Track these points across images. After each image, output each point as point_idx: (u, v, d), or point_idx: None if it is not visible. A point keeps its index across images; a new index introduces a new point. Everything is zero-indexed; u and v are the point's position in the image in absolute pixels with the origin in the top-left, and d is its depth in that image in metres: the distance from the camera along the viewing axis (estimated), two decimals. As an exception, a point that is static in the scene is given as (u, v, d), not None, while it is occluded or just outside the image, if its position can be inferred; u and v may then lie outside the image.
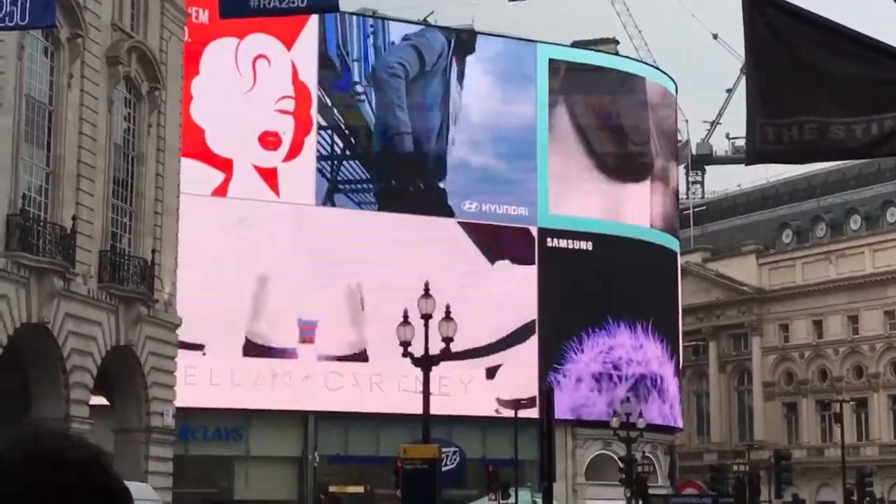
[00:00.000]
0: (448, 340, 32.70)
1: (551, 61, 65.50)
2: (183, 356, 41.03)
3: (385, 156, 62.07)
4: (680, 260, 73.89)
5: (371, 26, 62.39)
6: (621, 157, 67.97)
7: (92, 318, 34.36)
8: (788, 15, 9.28)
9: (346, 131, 61.17)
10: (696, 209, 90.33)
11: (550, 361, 62.24)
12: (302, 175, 59.15)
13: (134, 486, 29.10)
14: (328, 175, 60.43)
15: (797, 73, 9.05)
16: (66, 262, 32.49)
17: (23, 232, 31.14)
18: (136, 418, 37.38)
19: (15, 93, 31.25)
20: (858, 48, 9.13)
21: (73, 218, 33.10)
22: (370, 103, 61.86)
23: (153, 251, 37.23)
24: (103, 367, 35.22)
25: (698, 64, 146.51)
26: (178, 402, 39.78)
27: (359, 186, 61.53)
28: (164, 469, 37.91)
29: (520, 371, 60.99)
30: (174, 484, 39.08)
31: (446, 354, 32.76)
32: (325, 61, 60.49)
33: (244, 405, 56.54)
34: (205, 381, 54.43)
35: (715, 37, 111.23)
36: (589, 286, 63.80)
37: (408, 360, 32.86)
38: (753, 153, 9.07)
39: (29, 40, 31.83)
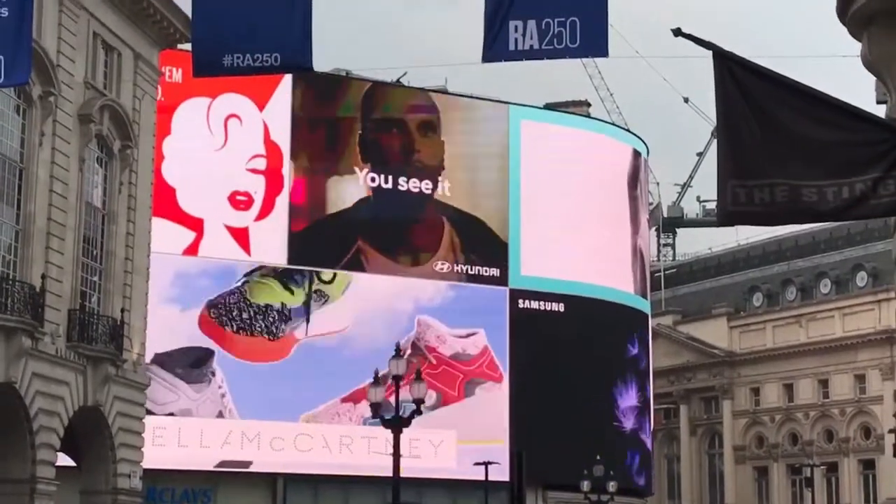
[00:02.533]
0: (419, 402, 32.55)
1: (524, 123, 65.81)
2: (151, 417, 40.63)
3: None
4: (651, 322, 74.00)
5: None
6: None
7: (60, 378, 34.03)
8: (759, 77, 9.34)
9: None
10: (666, 272, 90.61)
11: (522, 423, 61.96)
12: (273, 234, 59.08)
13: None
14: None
15: (768, 136, 9.09)
16: (34, 320, 32.22)
17: (-9, 290, 30.89)
18: (103, 480, 36.94)
19: (-14, 150, 31.12)
20: (829, 111, 9.19)
21: (43, 276, 32.87)
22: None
23: (123, 310, 36.99)
24: (70, 427, 34.84)
25: (670, 127, 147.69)
26: (146, 464, 39.38)
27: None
28: (130, 531, 37.43)
29: (491, 433, 60.75)
30: (140, 547, 38.57)
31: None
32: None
33: (212, 467, 56.06)
34: (173, 442, 54.04)
35: (686, 100, 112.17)
36: (561, 347, 63.80)
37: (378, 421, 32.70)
38: (725, 215, 9.10)
39: (0, 98, 31.76)
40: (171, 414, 55.13)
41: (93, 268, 36.27)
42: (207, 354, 57.10)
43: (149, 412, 42.69)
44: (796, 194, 8.44)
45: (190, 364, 56.68)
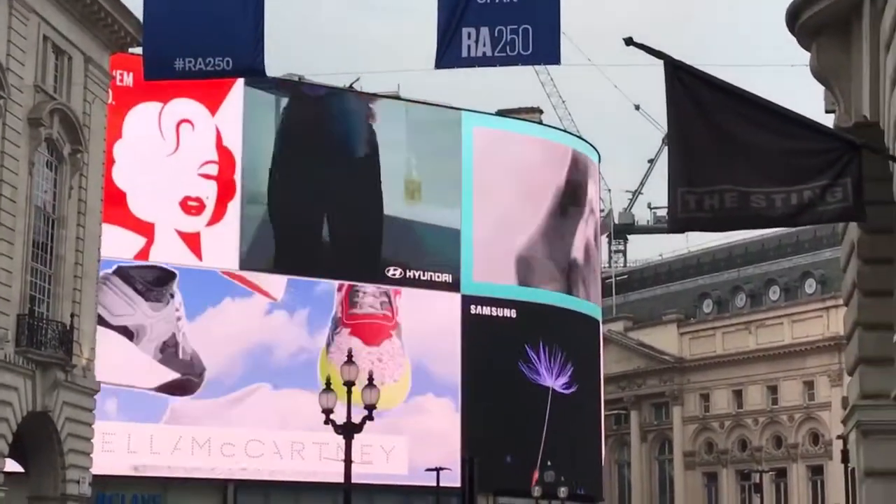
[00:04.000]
0: (370, 408, 32.55)
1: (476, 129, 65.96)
2: (100, 424, 40.37)
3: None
4: (602, 328, 74.33)
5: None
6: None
7: (8, 384, 33.75)
8: (709, 86, 9.44)
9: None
10: (618, 278, 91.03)
11: (473, 429, 62.04)
12: (225, 239, 58.86)
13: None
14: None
15: (717, 143, 9.18)
16: (-18, 325, 31.96)
17: (-62, 295, 30.60)
18: (52, 486, 36.66)
19: (-67, 153, 30.83)
20: (776, 119, 9.30)
21: (-9, 281, 32.61)
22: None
23: (72, 315, 36.73)
24: (19, 433, 34.57)
25: (621, 134, 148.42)
26: (95, 470, 39.12)
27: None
28: (79, 538, 37.17)
29: (442, 439, 60.82)
30: (89, 553, 38.31)
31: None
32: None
33: (162, 473, 55.75)
34: (122, 447, 53.74)
35: (637, 107, 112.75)
36: (512, 352, 64.05)
37: (329, 427, 32.62)
38: (675, 221, 9.19)
39: (-51, 101, 31.50)
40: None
41: (42, 272, 35.99)
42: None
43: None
44: (745, 201, 8.54)
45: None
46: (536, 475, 58.62)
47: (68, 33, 37.32)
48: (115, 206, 52.13)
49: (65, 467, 36.68)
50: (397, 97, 66.38)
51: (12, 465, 35.40)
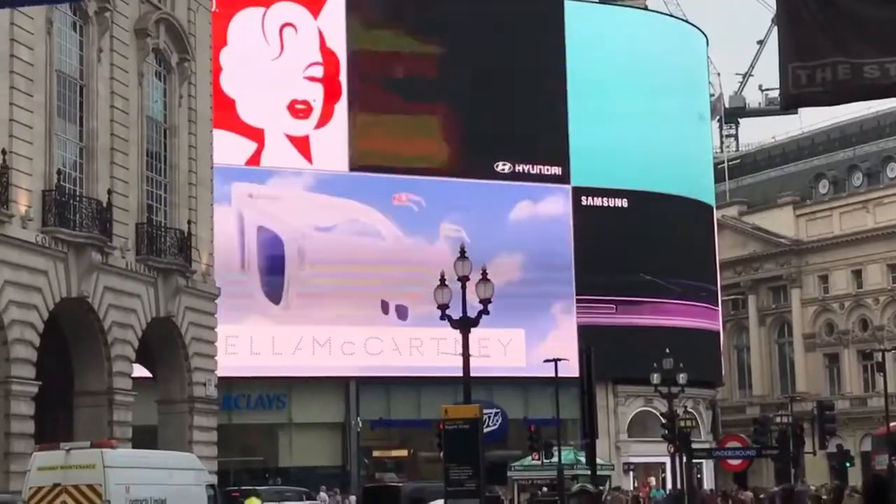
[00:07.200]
0: (486, 302, 32.63)
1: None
2: (222, 326, 41.12)
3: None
4: (716, 214, 73.60)
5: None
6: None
7: (131, 291, 34.57)
8: (818, -43, 9.17)
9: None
10: (730, 163, 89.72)
11: (589, 320, 62.17)
12: (334, 142, 59.14)
13: (179, 456, 29.38)
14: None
15: (828, 17, 8.96)
16: (103, 235, 32.69)
17: (59, 207, 31.32)
18: (179, 389, 37.64)
19: (45, 69, 31.36)
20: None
21: (109, 192, 33.26)
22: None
23: (189, 222, 37.37)
24: (145, 339, 35.46)
25: (729, 16, 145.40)
26: (220, 372, 40.00)
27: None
28: (208, 439, 38.17)
29: (559, 331, 61.09)
30: (219, 453, 39.34)
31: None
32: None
33: (286, 373, 56.80)
34: (245, 350, 54.75)
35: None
36: (625, 244, 63.80)
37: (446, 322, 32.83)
38: (787, 98, 9.01)
39: (57, 16, 31.90)
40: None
41: (157, 181, 36.60)
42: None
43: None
44: (858, 72, 8.33)
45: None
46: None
47: (169, -58, 37.47)
48: (225, 112, 52.55)
49: (190, 370, 37.60)
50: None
51: (140, 371, 36.37)
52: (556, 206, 63.54)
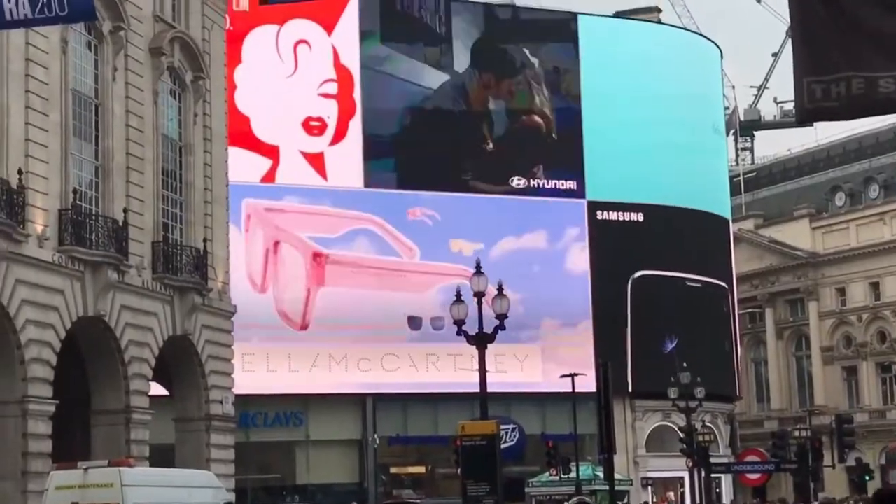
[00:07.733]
0: (502, 317, 32.57)
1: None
2: (239, 344, 41.13)
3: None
4: (732, 227, 73.45)
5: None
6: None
7: (148, 309, 34.60)
8: (832, -30, 9.14)
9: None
10: (746, 175, 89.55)
11: (606, 335, 62.02)
12: (349, 158, 59.21)
13: (197, 475, 29.34)
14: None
15: (843, 30, 8.91)
16: (119, 254, 32.73)
17: (75, 226, 31.38)
18: (196, 407, 37.62)
19: (61, 88, 31.45)
20: (904, -1, 8.98)
21: (125, 210, 33.32)
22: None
23: (205, 240, 37.40)
24: (161, 357, 35.48)
25: (743, 29, 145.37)
26: (237, 390, 39.98)
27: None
28: (225, 456, 38.14)
29: (576, 346, 60.95)
30: (236, 471, 39.31)
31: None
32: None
33: (302, 390, 56.76)
34: (262, 367, 54.73)
35: (759, 0, 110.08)
36: (641, 257, 63.72)
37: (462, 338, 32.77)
38: (803, 112, 8.95)
39: (72, 35, 32.00)
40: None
41: (173, 199, 36.66)
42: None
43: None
44: (873, 86, 8.27)
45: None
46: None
47: (183, -39, 37.59)
48: (240, 130, 52.67)
49: (207, 388, 37.59)
50: (512, 5, 65.78)
51: (157, 389, 36.38)
52: (571, 220, 63.44)
